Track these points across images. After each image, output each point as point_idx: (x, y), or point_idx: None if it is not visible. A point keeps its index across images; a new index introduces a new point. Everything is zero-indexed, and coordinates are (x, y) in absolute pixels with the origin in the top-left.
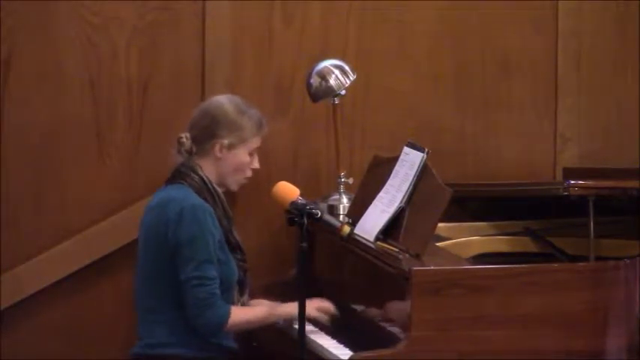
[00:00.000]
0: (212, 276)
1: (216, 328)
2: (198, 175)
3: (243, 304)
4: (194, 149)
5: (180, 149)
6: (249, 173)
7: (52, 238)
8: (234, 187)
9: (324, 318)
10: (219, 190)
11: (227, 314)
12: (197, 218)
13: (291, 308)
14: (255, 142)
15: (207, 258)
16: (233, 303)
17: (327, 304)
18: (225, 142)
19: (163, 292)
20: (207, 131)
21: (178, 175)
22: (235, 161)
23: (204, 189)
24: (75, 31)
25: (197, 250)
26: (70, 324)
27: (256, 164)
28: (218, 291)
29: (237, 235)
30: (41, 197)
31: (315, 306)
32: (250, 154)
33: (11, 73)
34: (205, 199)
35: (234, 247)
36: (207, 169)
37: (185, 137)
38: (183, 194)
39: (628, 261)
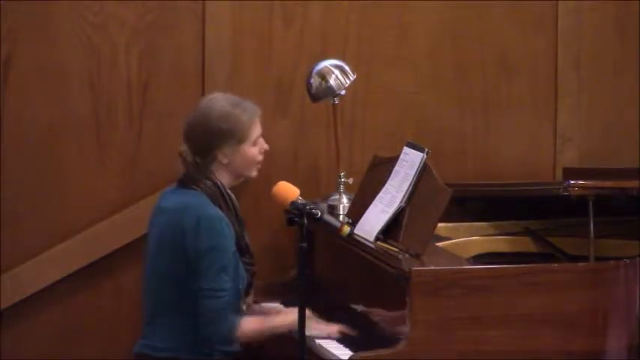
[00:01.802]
0: (226, 287)
1: (227, 340)
2: (211, 180)
3: (247, 306)
4: (197, 159)
5: (185, 162)
6: (260, 158)
7: (52, 238)
8: (253, 174)
9: (336, 336)
10: (233, 195)
11: (236, 327)
12: (215, 229)
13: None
14: (254, 132)
15: (223, 269)
16: (240, 308)
17: (348, 331)
18: (226, 149)
19: (172, 297)
20: (205, 142)
21: (191, 180)
22: (243, 159)
23: (218, 195)
24: (75, 31)
25: (214, 261)
26: (70, 324)
27: (265, 145)
28: (230, 303)
29: (247, 240)
30: (41, 197)
31: (338, 329)
32: (254, 144)
33: (11, 73)
34: (219, 206)
35: (243, 251)
36: (219, 173)
37: (185, 152)
38: (198, 202)
39: (628, 261)
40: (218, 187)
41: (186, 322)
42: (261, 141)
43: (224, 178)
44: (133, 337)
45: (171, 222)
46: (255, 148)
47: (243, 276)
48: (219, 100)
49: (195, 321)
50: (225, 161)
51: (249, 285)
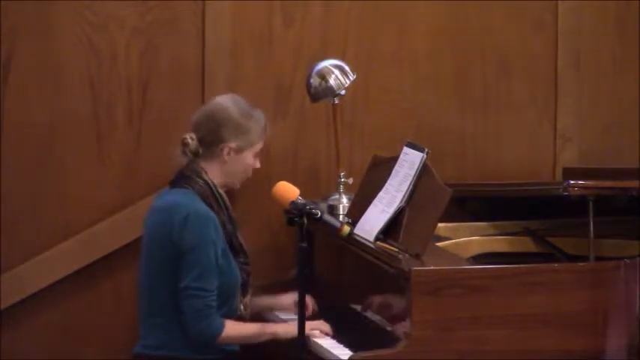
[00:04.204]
0: (211, 288)
1: (209, 340)
2: (202, 179)
3: (245, 305)
4: (200, 151)
5: (185, 150)
6: (250, 173)
7: (52, 238)
8: (237, 185)
9: (317, 333)
10: (224, 194)
11: (220, 328)
12: (201, 226)
13: (284, 328)
14: (260, 145)
15: (208, 269)
16: (236, 308)
17: (326, 328)
18: (233, 145)
19: (165, 295)
20: (215, 135)
21: (183, 179)
22: (242, 164)
23: (209, 194)
24: (75, 31)
25: (199, 260)
26: (70, 324)
27: (258, 164)
28: (215, 303)
29: (241, 239)
30: (41, 197)
31: (314, 327)
32: (255, 156)
33: (11, 73)
34: (210, 205)
35: (237, 251)
36: (212, 173)
37: (190, 138)
38: (188, 200)
39: (628, 261)
40: (209, 186)
41: (180, 321)
42: (258, 159)
43: (215, 179)
44: (132, 337)
45: (162, 220)
46: (253, 160)
47: (237, 275)
48: (239, 100)
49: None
50: (226, 158)
51: (245, 284)
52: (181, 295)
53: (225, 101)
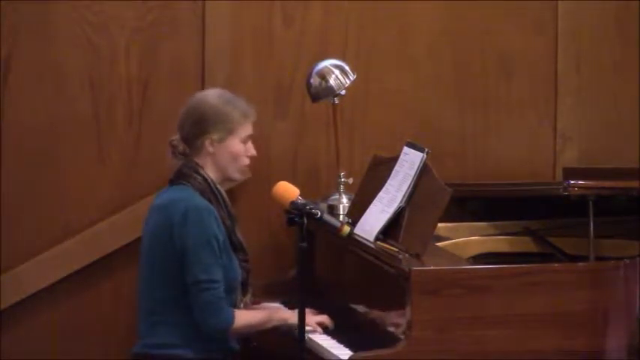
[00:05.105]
0: (219, 279)
1: (223, 331)
2: (200, 175)
3: (245, 304)
4: (187, 149)
5: (175, 152)
6: (246, 161)
7: (52, 238)
8: (237, 176)
9: (319, 329)
10: (223, 190)
11: (232, 318)
12: (202, 220)
13: (290, 314)
14: (244, 130)
15: (213, 261)
16: (236, 304)
17: (327, 321)
18: (214, 136)
19: (167, 293)
20: (195, 129)
21: (181, 176)
22: (228, 152)
23: (207, 189)
24: (75, 31)
25: (203, 253)
26: (70, 324)
27: (252, 151)
28: (224, 295)
29: (240, 236)
30: (41, 197)
31: (316, 320)
32: (243, 142)
33: (11, 73)
34: (209, 200)
35: (236, 248)
36: (209, 168)
37: (176, 140)
38: (186, 195)
39: (628, 261)
40: (207, 182)
41: (183, 319)
42: (250, 145)
43: (212, 174)
44: (132, 337)
45: (162, 217)
46: (242, 146)
47: (237, 270)
48: (216, 92)
49: (192, 316)
50: (210, 150)
51: (245, 283)
52: (191, 289)
53: (203, 94)
